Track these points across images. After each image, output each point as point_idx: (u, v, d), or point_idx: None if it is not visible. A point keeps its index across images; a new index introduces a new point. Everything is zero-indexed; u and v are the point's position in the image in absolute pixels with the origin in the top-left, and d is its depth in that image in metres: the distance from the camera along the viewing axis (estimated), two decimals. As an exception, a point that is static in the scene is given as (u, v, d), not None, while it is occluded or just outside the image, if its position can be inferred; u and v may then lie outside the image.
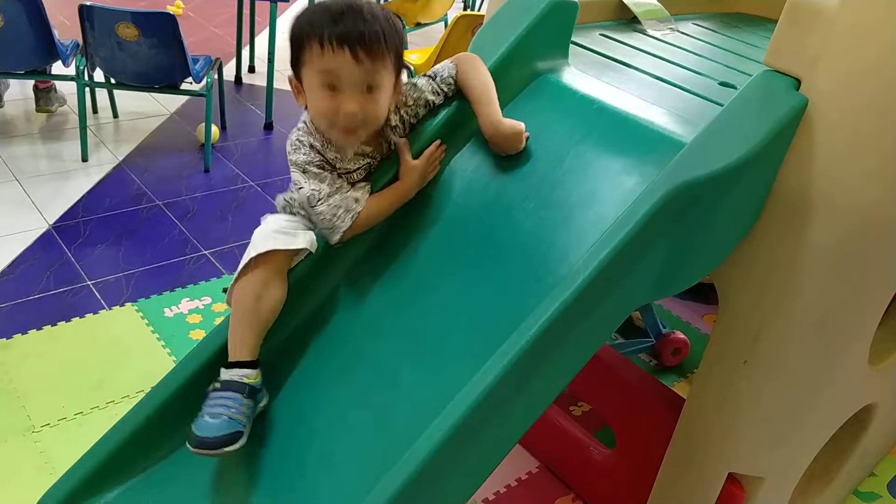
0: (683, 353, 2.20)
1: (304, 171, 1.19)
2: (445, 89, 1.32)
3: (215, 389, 1.12)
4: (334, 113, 1.14)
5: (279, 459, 1.18)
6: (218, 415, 1.09)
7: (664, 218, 1.08)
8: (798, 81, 1.11)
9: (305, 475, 1.15)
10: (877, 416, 1.57)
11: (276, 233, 1.19)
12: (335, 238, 1.21)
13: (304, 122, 1.22)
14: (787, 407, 1.31)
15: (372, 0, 1.17)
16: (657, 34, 1.81)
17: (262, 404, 1.16)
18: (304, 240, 1.20)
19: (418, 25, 4.07)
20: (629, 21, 1.85)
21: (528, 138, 1.29)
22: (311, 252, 1.22)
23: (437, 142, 1.29)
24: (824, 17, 1.06)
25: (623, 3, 1.85)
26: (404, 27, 3.93)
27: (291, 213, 1.28)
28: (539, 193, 1.27)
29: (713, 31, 1.95)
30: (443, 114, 1.36)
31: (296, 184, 1.20)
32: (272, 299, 1.17)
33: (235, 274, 1.18)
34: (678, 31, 1.87)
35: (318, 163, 1.20)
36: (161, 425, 1.23)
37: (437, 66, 1.34)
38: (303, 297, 1.27)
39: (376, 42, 1.10)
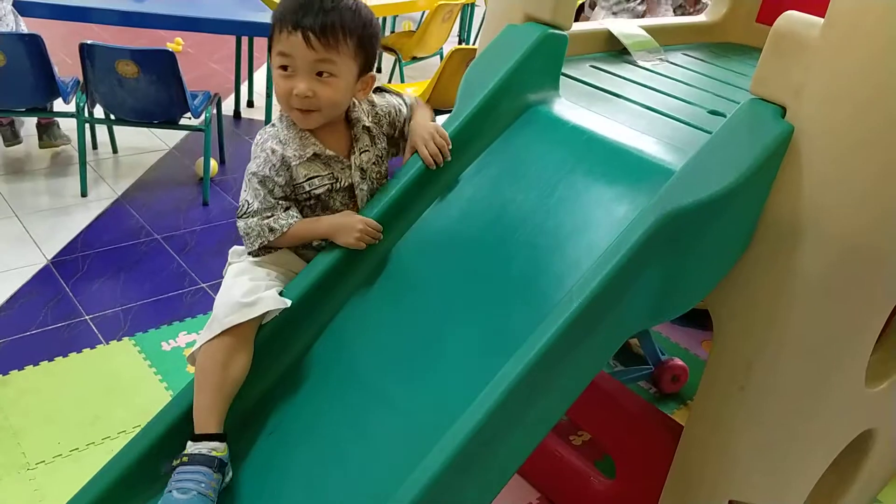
0: (682, 379, 2.20)
1: (249, 180, 1.24)
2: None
3: (182, 463, 1.09)
4: (288, 93, 1.19)
5: (273, 491, 1.17)
6: (187, 490, 1.06)
7: (656, 244, 1.10)
8: (784, 109, 1.13)
9: (298, 498, 1.14)
10: (878, 441, 1.56)
11: (240, 304, 1.16)
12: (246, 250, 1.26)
13: (280, 114, 1.28)
14: (783, 433, 1.30)
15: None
16: (647, 65, 1.84)
17: (228, 478, 1.13)
18: (267, 304, 1.18)
19: (414, 59, 4.12)
20: (619, 52, 1.88)
21: (451, 150, 1.34)
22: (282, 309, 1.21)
23: (380, 227, 1.28)
24: (807, 46, 1.09)
25: (613, 35, 1.89)
26: (400, 62, 3.99)
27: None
28: (532, 222, 1.29)
29: (702, 60, 1.97)
30: (448, 131, 1.39)
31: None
32: (238, 368, 1.15)
33: (198, 342, 1.18)
34: (667, 61, 1.90)
35: (265, 174, 1.22)
36: (154, 463, 1.22)
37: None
38: (298, 326, 1.28)
39: (331, 30, 1.16)
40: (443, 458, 1.00)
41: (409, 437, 1.13)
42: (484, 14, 4.78)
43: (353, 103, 1.30)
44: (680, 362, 2.18)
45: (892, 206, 1.11)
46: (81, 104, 2.80)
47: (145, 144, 3.39)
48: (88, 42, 2.62)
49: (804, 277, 1.17)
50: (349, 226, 1.25)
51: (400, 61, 4.03)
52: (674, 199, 1.10)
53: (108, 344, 2.09)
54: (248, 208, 1.23)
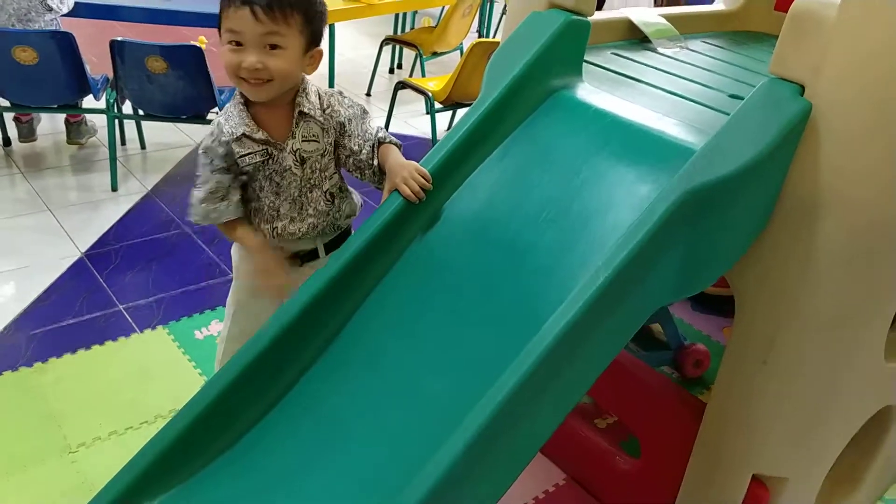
0: (705, 364, 2.22)
1: (201, 154, 1.36)
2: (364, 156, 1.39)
3: None
4: (237, 66, 1.26)
5: (305, 468, 1.21)
6: None
7: (679, 220, 1.12)
8: (802, 87, 1.16)
9: (333, 481, 1.19)
10: (897, 419, 1.58)
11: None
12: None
13: (236, 91, 1.35)
14: (807, 406, 1.33)
15: None
16: (667, 52, 1.86)
17: None
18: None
19: (435, 55, 4.16)
20: (640, 41, 1.90)
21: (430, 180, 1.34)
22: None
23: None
24: (824, 26, 1.11)
25: (633, 23, 1.91)
26: (421, 56, 4.03)
27: None
28: (558, 203, 1.32)
29: (722, 47, 1.99)
30: (463, 131, 1.42)
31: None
32: None
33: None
34: (687, 48, 1.92)
35: (207, 145, 1.34)
36: (195, 439, 1.27)
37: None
38: (329, 309, 1.32)
39: (277, 5, 1.23)
40: (473, 427, 1.04)
41: (439, 412, 1.17)
42: (504, 9, 4.81)
43: (302, 91, 1.35)
44: (702, 347, 2.20)
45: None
46: (111, 100, 2.87)
47: (172, 140, 3.47)
48: (119, 39, 2.69)
49: (825, 251, 1.19)
50: (269, 272, 1.39)
51: (421, 56, 4.07)
52: (696, 176, 1.13)
53: (142, 332, 2.16)
54: (197, 181, 1.35)
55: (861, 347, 1.30)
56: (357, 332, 1.34)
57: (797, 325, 1.25)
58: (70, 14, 3.00)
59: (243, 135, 1.33)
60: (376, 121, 1.46)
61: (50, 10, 2.86)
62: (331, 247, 1.46)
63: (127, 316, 2.23)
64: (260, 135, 1.33)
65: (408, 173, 1.31)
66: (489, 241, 1.33)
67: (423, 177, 1.32)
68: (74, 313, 2.22)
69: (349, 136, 1.38)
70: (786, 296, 1.25)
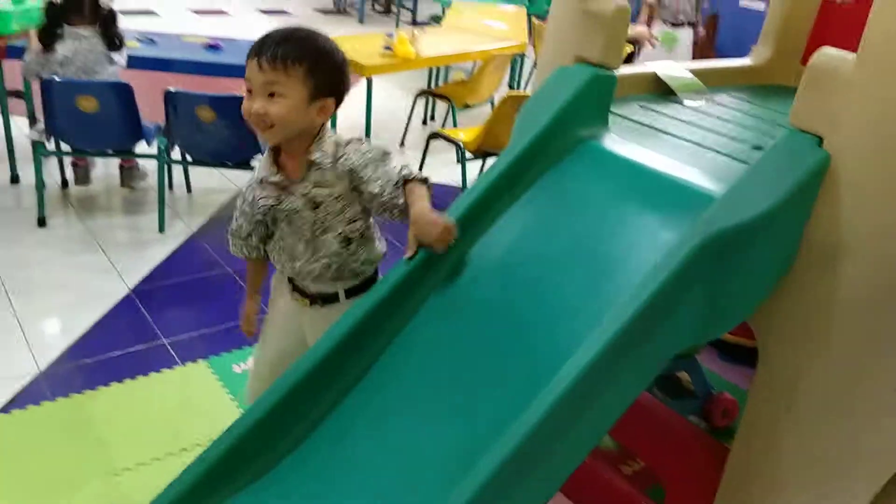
0: (733, 414, 2.22)
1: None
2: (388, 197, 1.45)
3: None
4: (247, 111, 1.38)
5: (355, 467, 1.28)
6: None
7: (700, 263, 1.18)
8: (821, 139, 1.22)
9: (382, 483, 1.24)
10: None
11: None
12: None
13: None
14: (832, 455, 1.34)
15: (317, 33, 1.43)
16: (693, 104, 1.94)
17: None
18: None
19: (466, 106, 4.30)
20: (666, 94, 1.98)
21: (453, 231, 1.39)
22: None
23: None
24: (841, 78, 1.18)
25: (660, 77, 2.00)
26: (453, 108, 4.17)
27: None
28: (584, 247, 1.39)
29: (748, 101, 2.06)
30: (492, 177, 1.51)
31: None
32: None
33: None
34: (714, 101, 1.99)
35: (242, 191, 1.53)
36: (228, 468, 1.35)
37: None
38: (359, 348, 1.40)
39: (281, 57, 1.34)
40: (491, 466, 1.09)
41: (469, 440, 1.22)
42: (534, 63, 4.95)
43: (317, 139, 1.44)
44: (730, 396, 2.21)
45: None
46: (162, 147, 3.03)
47: (216, 185, 3.62)
48: (172, 89, 2.86)
49: (846, 297, 1.23)
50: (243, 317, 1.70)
51: (453, 108, 4.21)
52: (717, 222, 1.19)
53: (184, 365, 2.25)
54: (237, 227, 1.55)
55: (889, 394, 1.32)
56: (383, 374, 1.40)
57: (819, 370, 1.29)
58: (129, 66, 3.20)
59: (262, 179, 1.46)
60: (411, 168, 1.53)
61: (112, 62, 3.05)
62: (353, 292, 1.54)
63: (170, 349, 2.33)
64: (276, 178, 1.45)
65: (438, 234, 1.36)
66: (516, 283, 1.40)
67: (449, 233, 1.38)
68: (122, 346, 2.32)
69: (364, 181, 1.44)
70: (808, 341, 1.28)
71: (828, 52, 1.20)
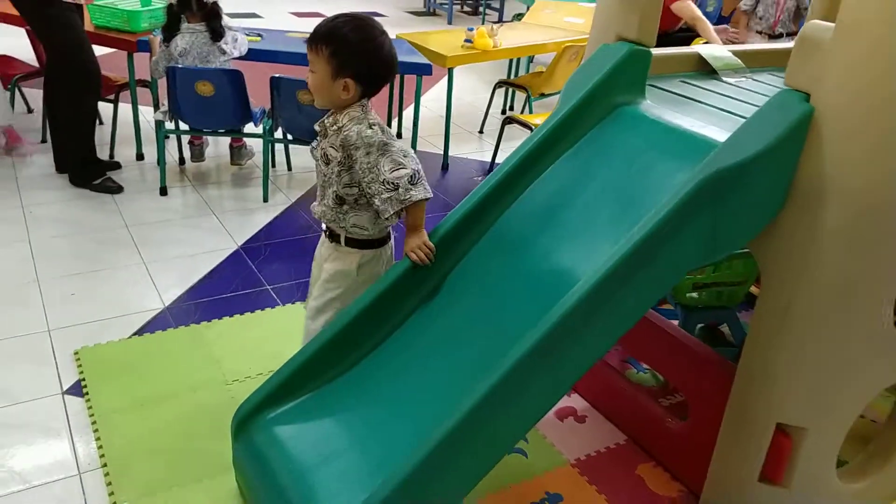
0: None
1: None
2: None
3: None
4: None
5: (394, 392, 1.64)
6: None
7: (704, 195, 1.44)
8: (808, 95, 1.45)
9: (408, 405, 1.59)
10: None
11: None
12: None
13: None
14: (821, 364, 1.57)
15: (357, 24, 1.69)
16: (731, 80, 2.16)
17: None
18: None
19: (542, 96, 4.56)
20: (709, 72, 2.21)
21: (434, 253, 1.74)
22: None
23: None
24: (823, 47, 1.41)
25: (703, 57, 2.23)
26: (529, 98, 4.45)
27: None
28: (615, 187, 1.67)
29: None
30: (539, 135, 1.80)
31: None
32: None
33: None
34: (752, 78, 2.20)
35: None
36: (324, 360, 1.72)
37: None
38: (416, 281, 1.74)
39: (314, 42, 1.68)
40: (531, 342, 1.39)
41: (485, 359, 1.51)
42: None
43: (343, 111, 1.72)
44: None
45: (890, 179, 1.40)
46: (267, 127, 3.46)
47: (313, 164, 4.03)
48: (277, 75, 3.28)
49: (829, 230, 1.46)
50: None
51: (529, 98, 4.49)
52: (718, 162, 1.45)
53: (284, 306, 2.64)
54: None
55: (866, 312, 1.54)
56: (442, 294, 1.74)
57: (808, 292, 1.52)
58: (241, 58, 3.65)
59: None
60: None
61: (224, 52, 3.50)
62: (353, 243, 1.80)
63: (273, 294, 2.73)
64: (317, 127, 1.79)
65: (417, 247, 1.72)
66: (557, 220, 1.70)
67: (429, 248, 1.73)
68: (232, 289, 2.74)
69: (354, 160, 1.69)
70: (798, 267, 1.52)
71: (815, 23, 1.44)
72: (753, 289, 2.41)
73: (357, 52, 1.68)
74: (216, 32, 3.42)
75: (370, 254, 1.83)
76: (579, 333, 1.44)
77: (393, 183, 1.67)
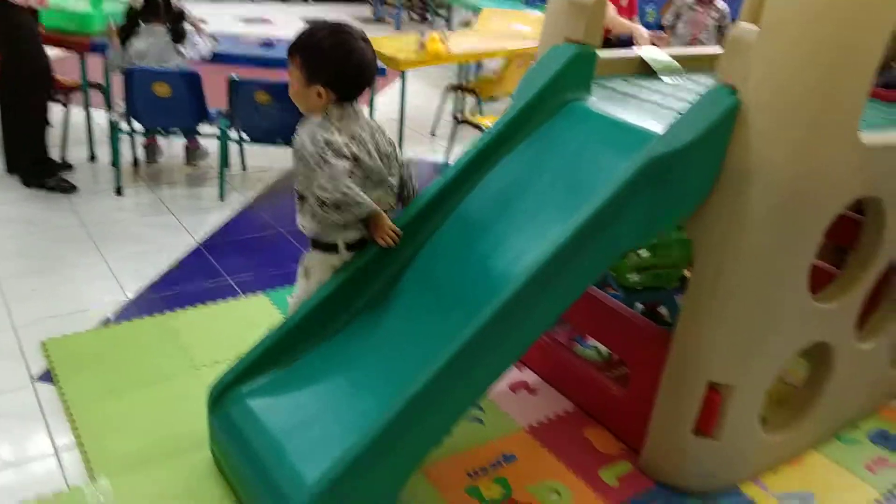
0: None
1: None
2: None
3: None
4: None
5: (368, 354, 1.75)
6: None
7: (642, 180, 1.61)
8: (736, 90, 1.64)
9: (377, 375, 1.72)
10: (838, 359, 1.98)
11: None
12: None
13: None
14: (746, 328, 1.76)
15: (330, 33, 1.76)
16: (669, 80, 2.36)
17: None
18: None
19: (491, 99, 4.75)
20: (650, 74, 2.40)
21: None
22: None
23: None
24: (748, 46, 1.60)
25: (644, 59, 2.42)
26: (480, 101, 4.62)
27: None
28: (563, 176, 1.83)
29: (716, 79, 2.47)
30: (495, 130, 1.95)
31: None
32: None
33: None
34: (690, 79, 2.40)
35: None
36: (295, 337, 1.83)
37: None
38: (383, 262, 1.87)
39: (290, 51, 1.79)
40: (483, 318, 1.54)
41: (446, 330, 1.64)
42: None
43: (316, 117, 1.79)
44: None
45: (808, 161, 1.60)
46: (224, 127, 3.53)
47: (266, 164, 4.12)
48: (234, 76, 3.36)
49: (753, 209, 1.66)
50: None
51: (480, 101, 4.67)
52: (655, 151, 1.63)
53: (247, 296, 2.73)
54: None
55: (784, 286, 1.74)
56: (406, 277, 1.87)
57: (735, 264, 1.71)
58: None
59: None
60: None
61: (180, 54, 3.56)
62: (314, 243, 1.87)
63: (235, 286, 2.81)
64: None
65: (380, 233, 1.82)
66: (515, 201, 1.85)
67: (395, 232, 1.83)
68: (194, 282, 2.81)
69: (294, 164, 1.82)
70: (726, 243, 1.71)
71: (742, 25, 1.63)
72: (687, 272, 2.61)
73: (326, 60, 1.75)
74: (179, 34, 3.49)
75: (316, 256, 1.87)
76: (532, 305, 1.59)
77: (320, 200, 1.73)
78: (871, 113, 2.23)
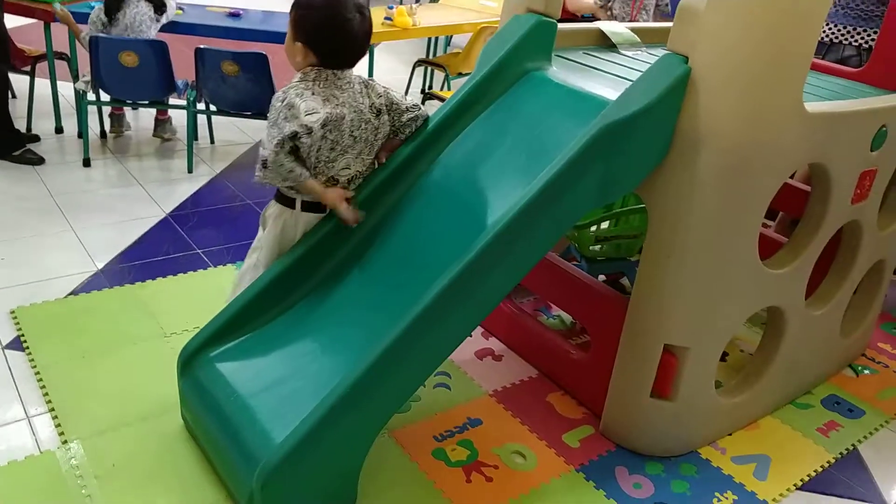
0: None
1: None
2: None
3: None
4: None
5: (330, 318, 1.79)
6: None
7: (597, 145, 1.67)
8: (686, 58, 1.70)
9: (344, 336, 1.78)
10: (789, 324, 2.07)
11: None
12: None
13: None
14: (700, 291, 1.83)
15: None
16: (628, 53, 2.41)
17: None
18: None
19: (460, 75, 4.77)
20: (610, 46, 2.46)
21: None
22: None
23: None
24: (698, 15, 1.66)
25: (604, 32, 2.47)
26: (448, 76, 4.65)
27: None
28: (523, 143, 1.88)
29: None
30: (458, 98, 1.99)
31: None
32: None
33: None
34: (647, 52, 2.47)
35: None
36: (263, 302, 1.87)
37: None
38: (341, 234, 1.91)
39: (291, 6, 1.83)
40: (442, 284, 1.59)
41: (409, 292, 1.69)
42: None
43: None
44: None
45: (754, 128, 1.67)
46: (191, 98, 3.52)
47: (235, 138, 4.11)
48: (202, 46, 3.35)
49: (704, 172, 1.72)
50: None
51: (448, 76, 4.69)
52: (609, 116, 1.68)
53: (216, 267, 2.75)
54: None
55: (734, 249, 1.81)
56: (373, 241, 1.92)
57: (688, 229, 1.78)
58: (160, 30, 3.68)
59: None
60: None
61: (157, 21, 3.54)
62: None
63: (203, 257, 2.83)
64: None
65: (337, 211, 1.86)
66: (478, 167, 1.90)
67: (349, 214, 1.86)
68: (163, 253, 2.83)
69: None
70: (679, 207, 1.77)
71: (690, -3, 1.69)
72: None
73: (312, 21, 1.79)
74: (160, 5, 3.48)
75: (274, 208, 1.92)
76: (493, 268, 1.65)
77: (262, 157, 1.77)
78: (822, 86, 2.31)
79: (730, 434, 2.14)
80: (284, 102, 1.77)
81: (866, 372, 2.52)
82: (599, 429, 2.10)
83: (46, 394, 2.03)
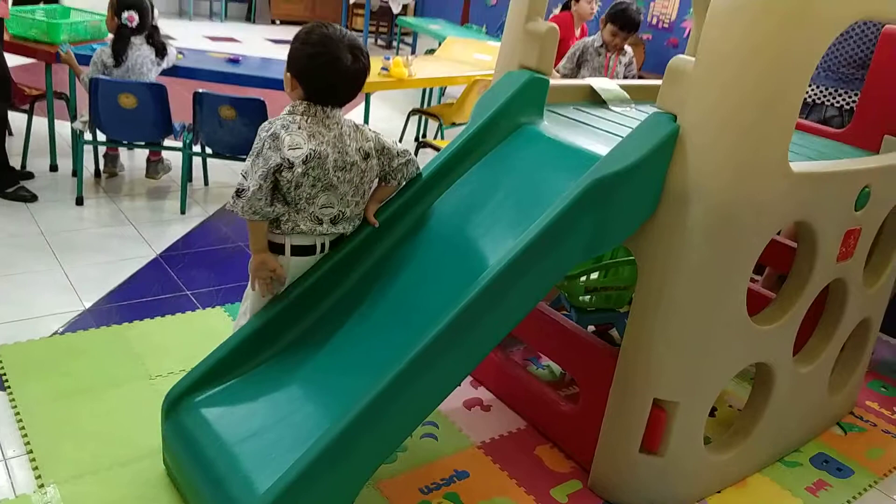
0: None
1: None
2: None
3: None
4: None
5: (318, 363, 1.79)
6: None
7: (587, 200, 1.69)
8: (675, 116, 1.74)
9: (330, 384, 1.76)
10: (778, 380, 2.07)
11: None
12: None
13: None
14: (689, 346, 1.84)
15: (316, 29, 1.81)
16: (618, 109, 2.47)
17: None
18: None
19: (453, 125, 4.84)
20: (600, 102, 2.51)
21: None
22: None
23: None
24: (686, 76, 1.71)
25: (594, 89, 2.53)
26: (441, 126, 4.72)
27: None
28: (517, 193, 1.91)
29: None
30: (451, 150, 2.03)
31: None
32: None
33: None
34: (636, 108, 2.52)
35: None
36: (251, 347, 1.86)
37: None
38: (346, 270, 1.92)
39: None
40: (432, 333, 1.59)
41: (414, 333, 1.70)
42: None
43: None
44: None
45: (741, 185, 1.70)
46: (188, 141, 3.55)
47: (230, 180, 4.14)
48: (200, 90, 3.39)
49: (692, 227, 1.74)
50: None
51: (441, 126, 4.76)
52: (600, 171, 1.71)
53: (204, 309, 2.74)
54: None
55: (722, 304, 1.82)
56: (363, 288, 1.92)
57: (676, 283, 1.79)
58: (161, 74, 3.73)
59: None
60: None
61: (159, 65, 3.59)
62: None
63: (193, 298, 2.82)
64: None
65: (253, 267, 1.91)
66: (471, 218, 1.92)
67: (270, 274, 1.90)
68: (152, 294, 2.81)
69: None
70: (668, 261, 1.79)
71: (680, 57, 1.74)
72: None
73: (304, 55, 1.80)
74: (159, 48, 3.53)
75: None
76: (483, 318, 1.65)
77: (238, 185, 1.81)
78: (806, 146, 2.36)
79: (718, 491, 2.12)
80: (269, 133, 1.79)
81: (854, 430, 2.52)
82: (588, 483, 2.07)
83: (25, 435, 1.99)
